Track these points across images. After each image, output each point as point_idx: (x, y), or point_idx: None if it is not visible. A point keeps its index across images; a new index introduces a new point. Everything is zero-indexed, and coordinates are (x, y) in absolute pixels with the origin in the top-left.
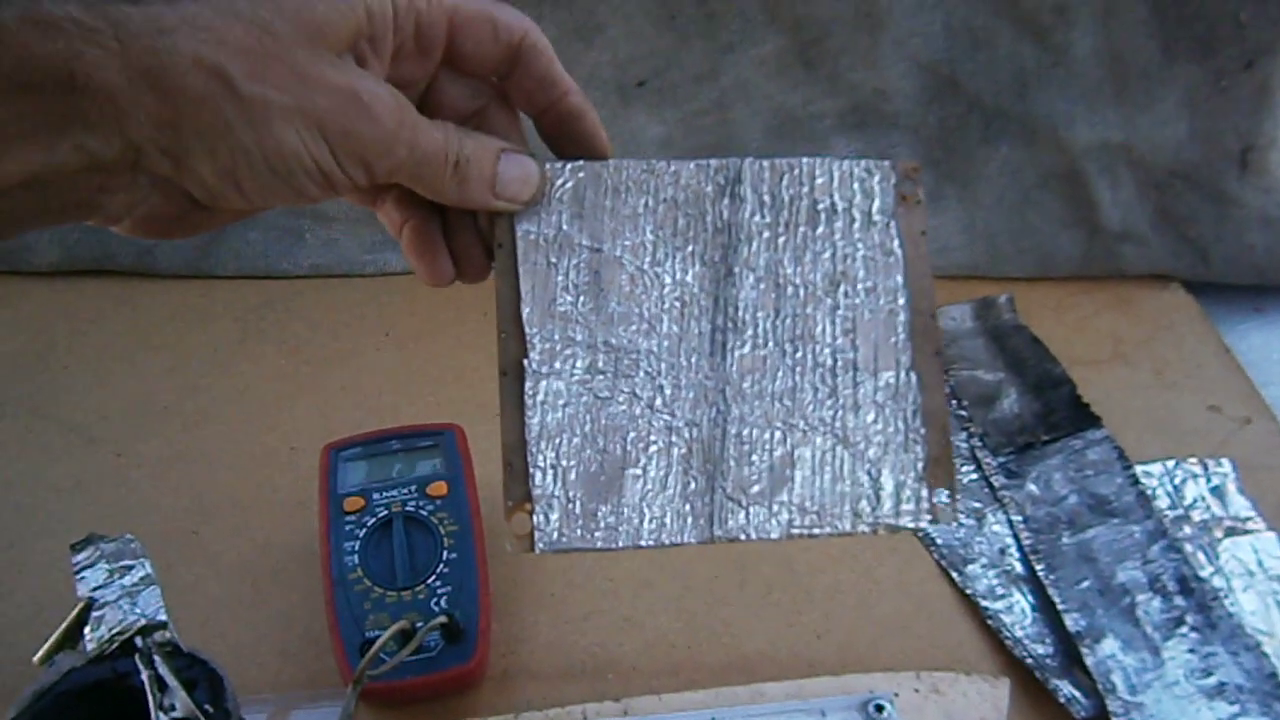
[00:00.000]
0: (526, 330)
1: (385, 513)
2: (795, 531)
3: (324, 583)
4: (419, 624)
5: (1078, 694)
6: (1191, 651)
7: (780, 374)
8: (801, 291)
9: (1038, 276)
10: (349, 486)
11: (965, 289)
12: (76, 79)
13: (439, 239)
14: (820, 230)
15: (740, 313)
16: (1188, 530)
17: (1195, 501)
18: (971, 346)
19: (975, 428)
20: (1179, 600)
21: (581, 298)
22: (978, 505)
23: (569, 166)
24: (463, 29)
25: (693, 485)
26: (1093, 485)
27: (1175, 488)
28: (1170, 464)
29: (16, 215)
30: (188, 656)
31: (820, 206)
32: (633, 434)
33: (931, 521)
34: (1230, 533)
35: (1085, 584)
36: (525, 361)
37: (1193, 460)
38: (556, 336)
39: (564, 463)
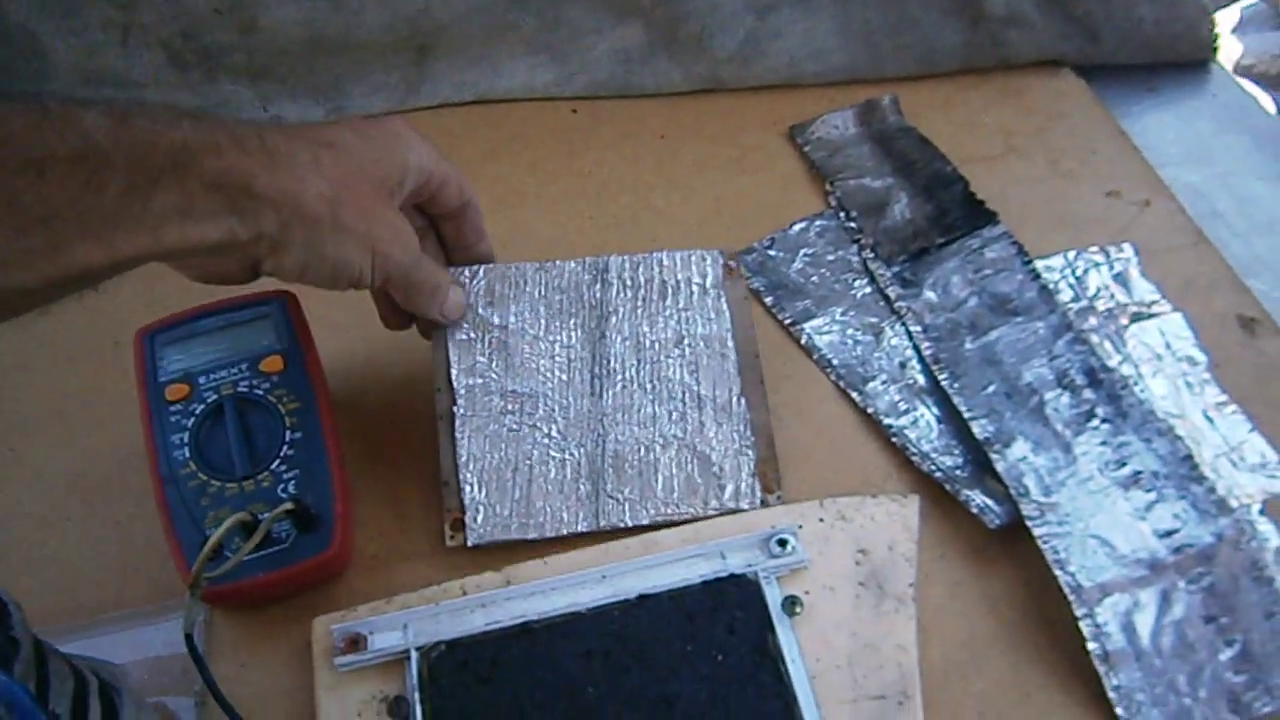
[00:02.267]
0: (455, 386)
1: (214, 397)
2: (660, 519)
3: (153, 482)
4: (262, 514)
5: (990, 502)
6: (1104, 444)
7: (643, 406)
8: (656, 345)
9: (921, 75)
10: (169, 373)
11: (846, 94)
12: (252, 186)
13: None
14: (669, 301)
15: (611, 363)
16: (1093, 321)
17: (1099, 291)
18: (856, 154)
19: (866, 239)
20: (1088, 393)
21: (494, 360)
22: (873, 320)
23: (483, 270)
24: (443, 186)
25: (582, 490)
26: (992, 285)
27: (1078, 279)
28: (1071, 255)
29: (146, 259)
30: None
31: (669, 284)
32: (536, 455)
33: (763, 504)
34: (1136, 318)
35: (991, 388)
36: (454, 409)
37: (1094, 249)
38: (477, 390)
39: (487, 480)
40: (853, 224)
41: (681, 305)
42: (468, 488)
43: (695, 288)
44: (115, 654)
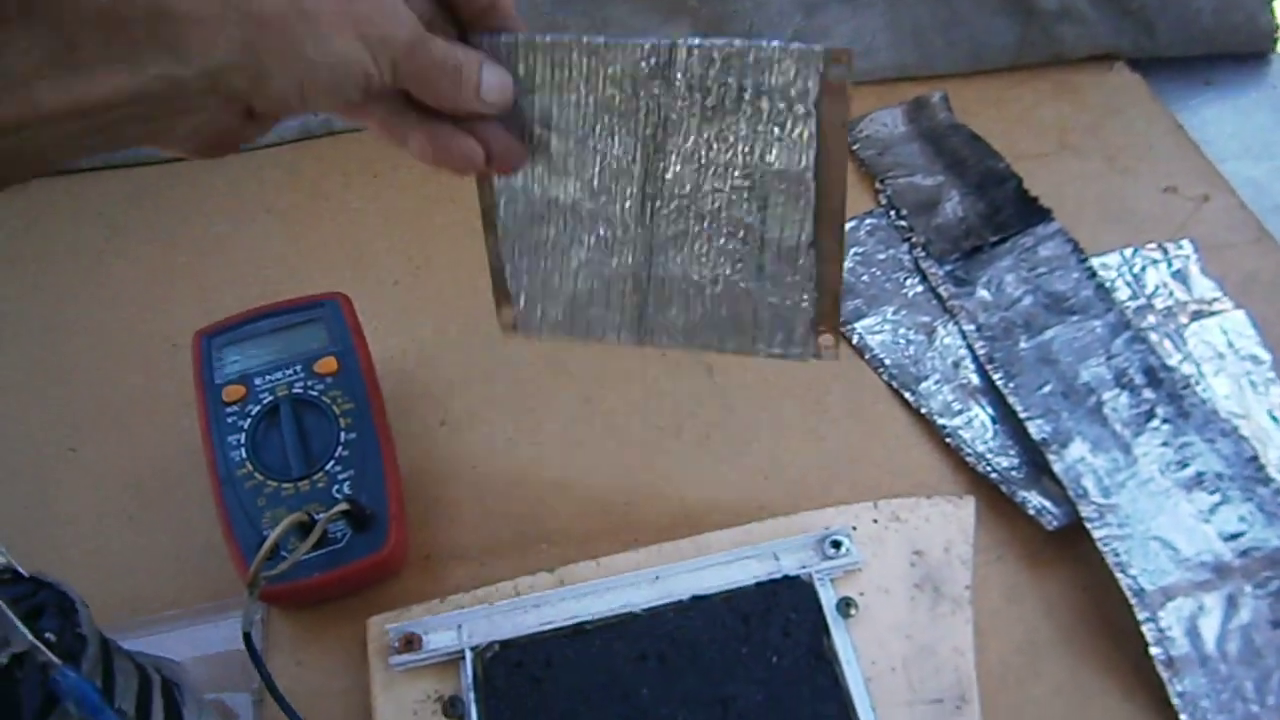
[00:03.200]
0: (495, 185)
1: (270, 398)
2: (701, 344)
3: (211, 483)
4: (318, 514)
5: (1047, 504)
6: (1165, 444)
7: (698, 240)
8: (722, 170)
9: (972, 71)
10: (226, 375)
11: (895, 92)
12: (165, 7)
13: (450, 129)
14: (744, 116)
15: (666, 183)
16: (1152, 319)
17: (1157, 288)
18: (906, 152)
19: (917, 237)
20: (1148, 393)
21: (534, 160)
22: (925, 319)
23: (516, 40)
24: None
25: (628, 304)
26: (1047, 283)
27: (1135, 276)
28: (1128, 252)
29: (84, 140)
30: (30, 582)
31: (746, 94)
32: (581, 266)
33: (815, 357)
34: (1197, 316)
35: (1047, 388)
36: (496, 209)
37: (1151, 246)
38: (518, 191)
39: (532, 277)
40: (903, 222)
41: (759, 124)
42: (513, 281)
43: (782, 102)
44: (176, 651)
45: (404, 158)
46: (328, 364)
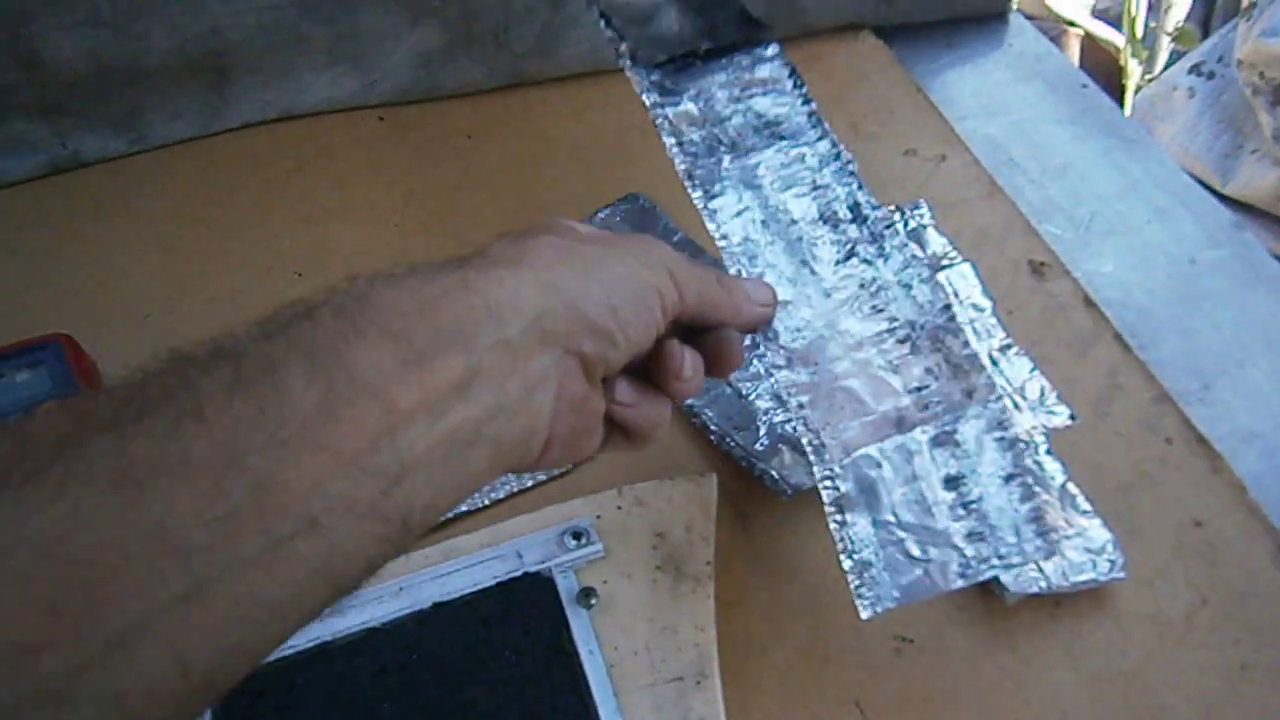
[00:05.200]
0: None
1: None
2: (480, 502)
3: None
4: None
5: (783, 475)
6: (861, 287)
7: None
8: None
9: None
10: None
11: None
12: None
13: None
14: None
15: None
16: None
17: (896, 249)
18: None
19: (626, 46)
20: (850, 230)
21: None
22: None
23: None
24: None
25: None
26: (760, 104)
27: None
28: None
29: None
30: None
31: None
32: None
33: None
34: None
35: (747, 214)
36: None
37: (891, 208)
38: None
39: None
40: (610, 32)
41: None
42: None
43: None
44: None
45: (150, 186)
46: None
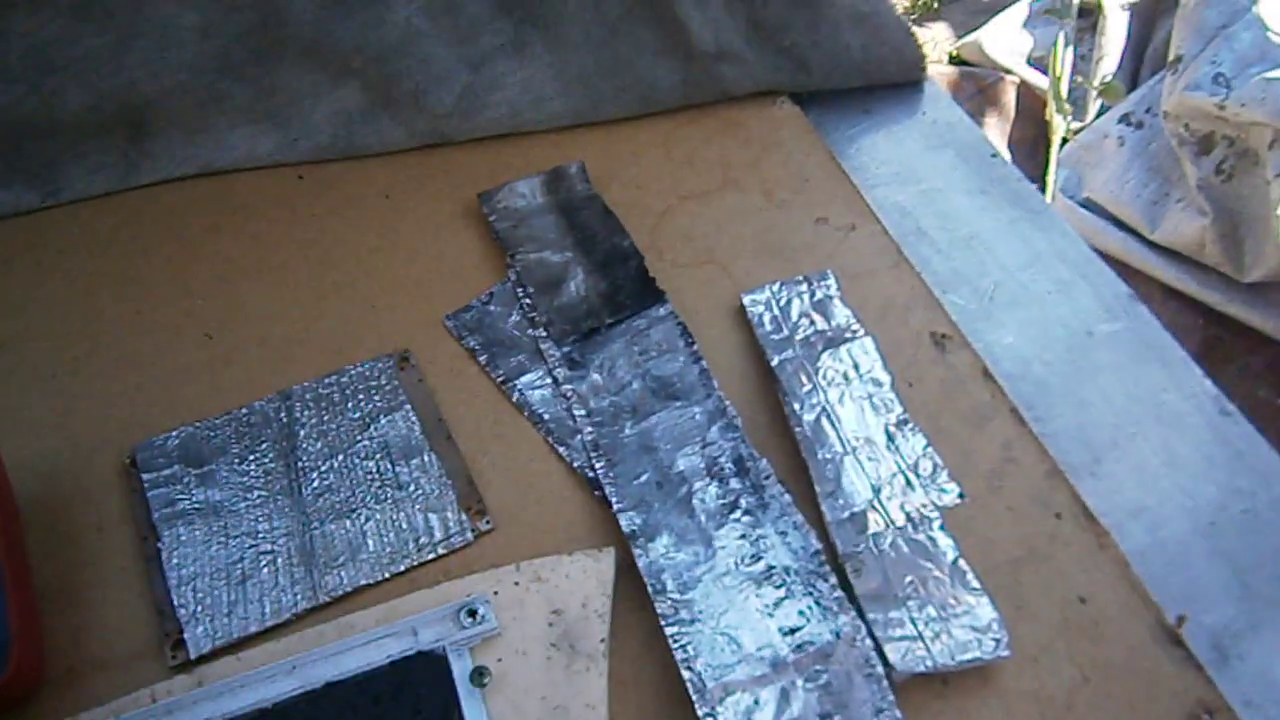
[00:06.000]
0: (157, 529)
1: None
2: (379, 577)
3: None
4: None
5: None
6: (743, 537)
7: (341, 489)
8: (345, 437)
9: (644, 113)
10: None
11: (573, 140)
12: None
13: None
14: (350, 403)
15: (304, 463)
16: (790, 352)
17: (799, 319)
18: (541, 225)
19: (540, 316)
20: (734, 483)
21: (194, 495)
22: (570, 388)
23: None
24: None
25: (296, 574)
26: (656, 366)
27: (782, 309)
28: (776, 286)
29: None
30: None
31: (348, 391)
32: (247, 559)
33: (475, 534)
34: (830, 344)
35: (644, 477)
36: (159, 546)
37: (799, 279)
38: (179, 524)
39: (200, 595)
40: (528, 300)
41: (363, 401)
42: (182, 609)
43: (373, 386)
44: None
45: (63, 242)
46: None
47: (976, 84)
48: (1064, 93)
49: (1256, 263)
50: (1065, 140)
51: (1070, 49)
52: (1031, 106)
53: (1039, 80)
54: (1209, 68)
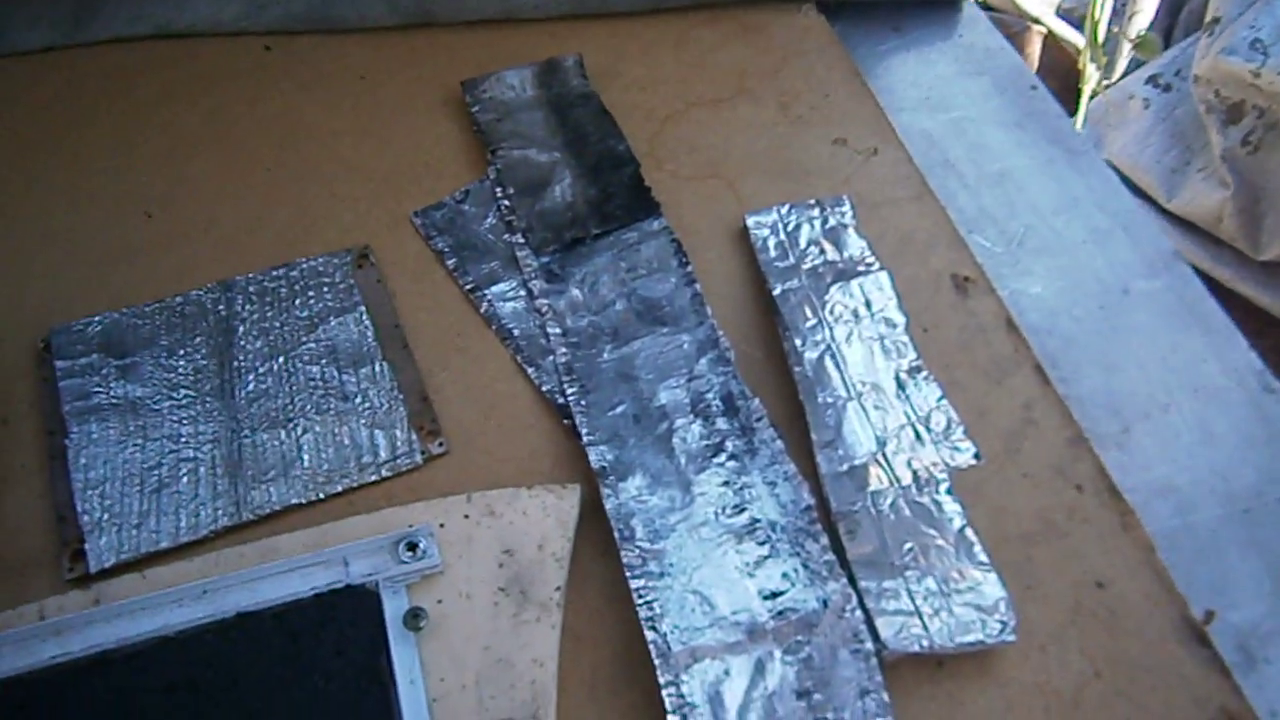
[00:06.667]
0: (67, 423)
1: None
2: (313, 496)
3: None
4: None
5: None
6: (726, 484)
7: (279, 396)
8: (289, 338)
9: (654, 9)
10: None
11: (573, 32)
12: None
13: None
14: (299, 301)
15: (240, 363)
16: (795, 282)
17: (808, 247)
18: (529, 120)
19: (519, 221)
20: (721, 423)
21: (111, 390)
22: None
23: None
24: None
25: (219, 486)
26: (644, 286)
27: (789, 234)
28: (785, 209)
29: None
30: None
31: (297, 287)
32: (165, 464)
33: (424, 456)
34: (840, 276)
35: (620, 408)
36: (66, 442)
37: (810, 202)
38: (91, 420)
39: (108, 501)
40: (507, 203)
41: (312, 300)
42: (86, 516)
43: (325, 284)
44: None
45: (10, 95)
46: None
47: (1003, 30)
48: (1100, 41)
49: (1274, 241)
50: (1095, 94)
51: None
52: (1057, 60)
53: (1067, 32)
54: (1247, 32)
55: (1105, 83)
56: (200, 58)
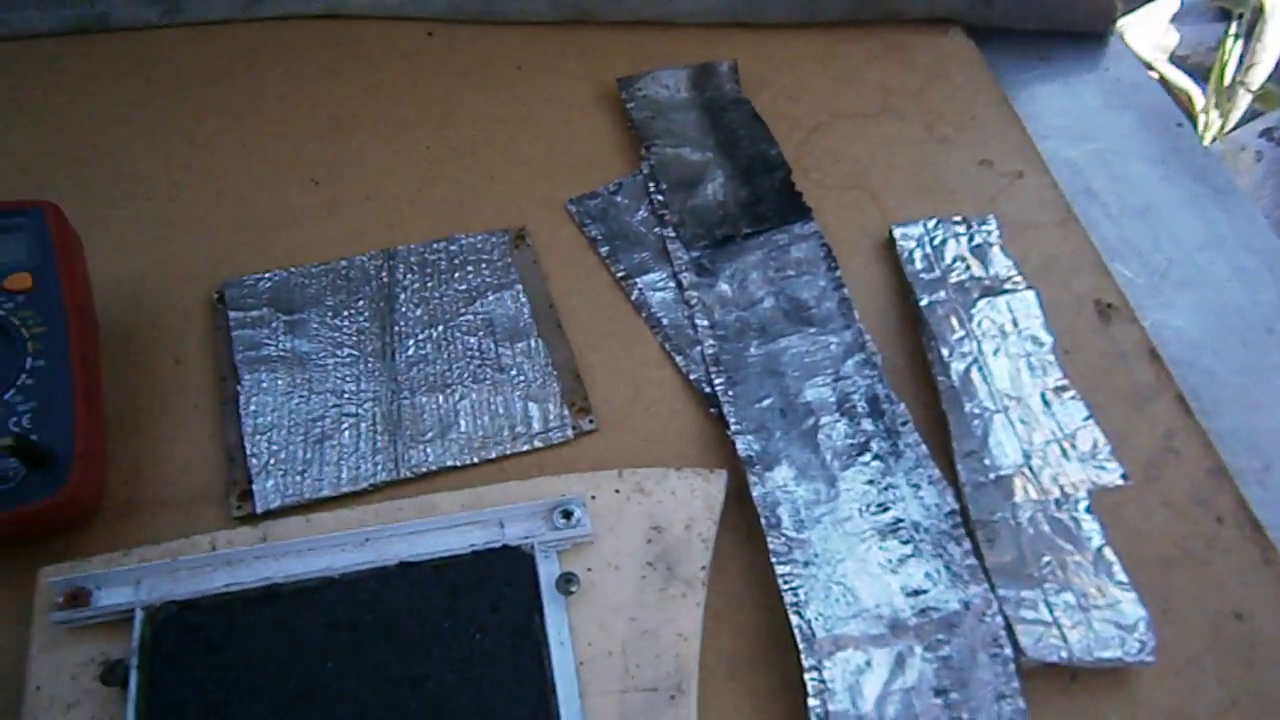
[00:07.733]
0: (239, 371)
1: None
2: (467, 460)
3: None
4: None
5: None
6: (870, 483)
7: (438, 362)
8: (448, 308)
9: (804, 23)
10: None
11: (724, 39)
12: None
13: None
14: (458, 274)
15: (400, 328)
16: (943, 294)
17: (955, 262)
18: (682, 120)
19: (671, 215)
20: (866, 424)
21: (280, 342)
22: (695, 295)
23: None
24: None
25: (379, 442)
26: (793, 287)
27: (935, 248)
28: (931, 223)
29: None
30: None
31: (456, 261)
32: (329, 417)
33: (575, 431)
34: (987, 293)
35: (767, 402)
36: (238, 388)
37: (957, 218)
38: (262, 370)
39: (275, 447)
40: (660, 197)
41: (470, 274)
42: (254, 459)
43: (484, 260)
44: None
45: (177, 64)
46: (20, 280)
47: None
48: (1225, 88)
49: None
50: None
51: (1239, 43)
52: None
53: (1180, 79)
54: None
55: (1223, 132)
56: (365, 38)
